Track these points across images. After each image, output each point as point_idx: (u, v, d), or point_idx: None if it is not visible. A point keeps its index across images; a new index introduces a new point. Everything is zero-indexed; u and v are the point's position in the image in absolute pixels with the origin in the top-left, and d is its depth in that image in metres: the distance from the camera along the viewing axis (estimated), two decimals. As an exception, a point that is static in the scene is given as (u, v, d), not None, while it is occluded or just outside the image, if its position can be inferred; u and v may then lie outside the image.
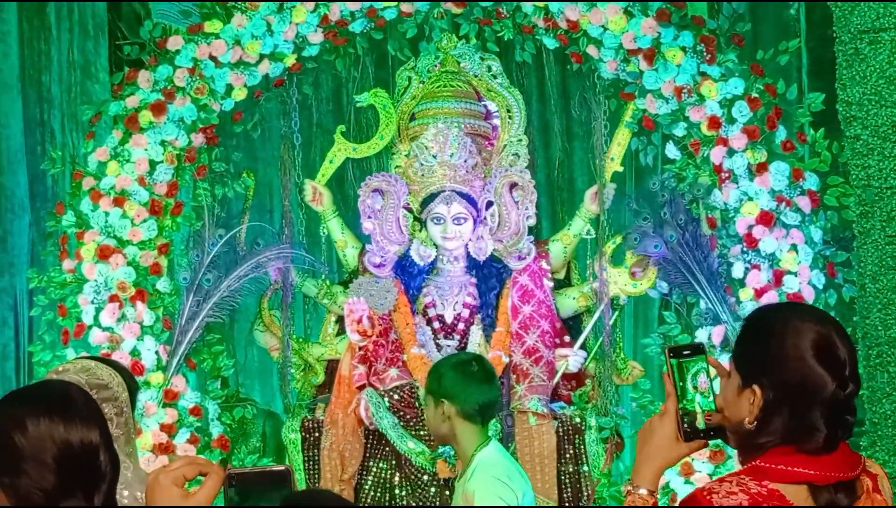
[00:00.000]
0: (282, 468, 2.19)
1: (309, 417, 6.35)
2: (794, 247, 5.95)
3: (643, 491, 2.54)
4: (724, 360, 2.65)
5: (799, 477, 2.41)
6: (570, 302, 6.57)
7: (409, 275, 6.50)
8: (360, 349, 6.30)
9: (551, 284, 6.52)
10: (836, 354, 2.46)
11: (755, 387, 2.47)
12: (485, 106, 6.70)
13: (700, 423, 2.54)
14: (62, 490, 2.23)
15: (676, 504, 2.66)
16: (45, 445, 2.24)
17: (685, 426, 2.54)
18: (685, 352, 2.59)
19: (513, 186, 6.47)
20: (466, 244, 6.48)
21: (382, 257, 6.47)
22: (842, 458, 2.46)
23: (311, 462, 6.26)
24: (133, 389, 3.58)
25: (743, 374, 2.53)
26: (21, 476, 2.23)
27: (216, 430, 6.31)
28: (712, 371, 2.58)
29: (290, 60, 6.42)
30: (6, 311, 7.08)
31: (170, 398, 6.16)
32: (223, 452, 6.23)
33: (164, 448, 6.05)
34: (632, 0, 6.14)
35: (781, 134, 6.05)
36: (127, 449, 3.31)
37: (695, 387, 2.56)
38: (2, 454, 2.24)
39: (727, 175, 6.04)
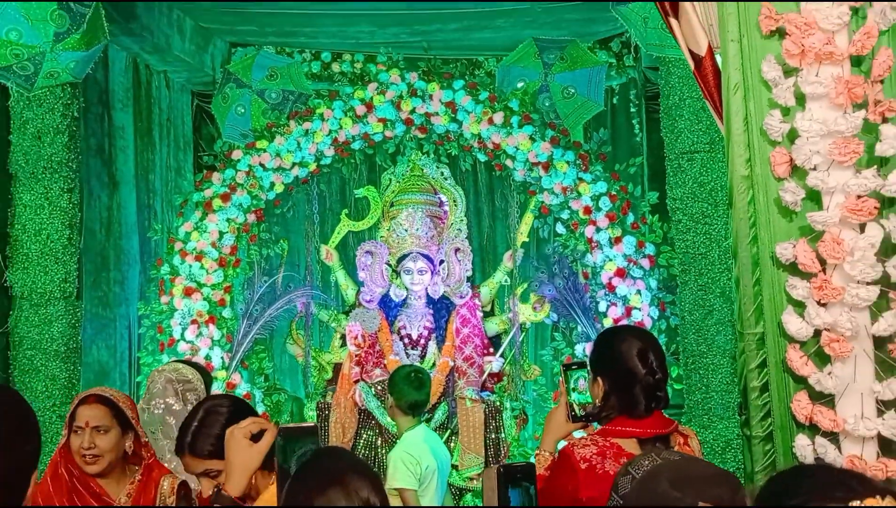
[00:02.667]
0: (311, 424, 2.16)
1: (322, 401, 6.41)
2: (638, 292, 6.12)
3: (546, 454, 2.63)
4: None
5: (629, 434, 2.50)
6: (493, 325, 6.66)
7: (389, 307, 6.60)
8: (356, 356, 6.41)
9: (481, 314, 6.62)
10: (647, 355, 2.56)
11: (599, 379, 2.58)
12: (439, 198, 6.81)
13: (579, 412, 2.62)
14: None
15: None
16: None
17: (571, 413, 2.63)
18: (573, 366, 2.66)
19: (457, 250, 6.61)
20: (427, 288, 6.58)
21: (371, 295, 6.57)
22: (658, 421, 2.55)
23: (322, 431, 6.27)
24: (208, 382, 3.66)
25: (594, 371, 2.62)
26: None
27: (260, 409, 6.35)
28: (588, 378, 2.68)
29: (312, 167, 6.56)
30: (123, 330, 7.08)
31: (230, 388, 6.25)
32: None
33: (226, 422, 6.17)
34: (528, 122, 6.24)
35: (630, 218, 6.23)
36: None
37: (575, 388, 2.63)
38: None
39: (595, 244, 6.21)
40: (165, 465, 3.11)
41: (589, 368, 2.68)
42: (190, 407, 3.28)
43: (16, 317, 5.96)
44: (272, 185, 6.51)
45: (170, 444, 3.25)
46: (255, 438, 2.14)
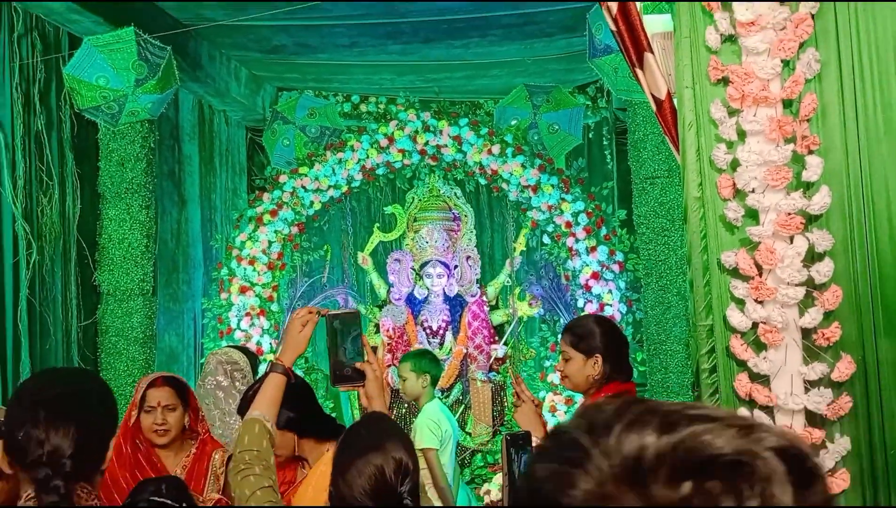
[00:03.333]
0: (355, 310, 2.14)
1: None
2: (610, 291, 6.10)
3: (535, 439, 2.53)
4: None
5: (631, 392, 2.55)
6: (498, 317, 6.62)
7: (414, 304, 6.59)
8: (387, 345, 6.43)
9: (488, 308, 6.60)
10: (622, 334, 2.64)
11: (596, 356, 2.55)
12: (453, 214, 6.79)
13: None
14: None
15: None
16: None
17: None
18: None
19: (468, 257, 6.60)
20: (444, 288, 6.56)
21: (399, 294, 6.57)
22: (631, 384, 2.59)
23: (360, 408, 6.18)
24: (254, 364, 3.59)
25: (585, 352, 2.57)
26: None
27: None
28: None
29: (345, 188, 6.55)
30: (190, 320, 7.11)
31: (276, 368, 6.25)
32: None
33: (272, 395, 6.14)
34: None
35: (603, 231, 6.21)
36: None
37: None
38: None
39: (575, 253, 6.19)
40: (212, 430, 3.06)
41: (573, 349, 2.61)
42: (237, 384, 3.34)
43: (103, 310, 6.03)
44: (311, 203, 6.52)
45: (219, 413, 3.26)
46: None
